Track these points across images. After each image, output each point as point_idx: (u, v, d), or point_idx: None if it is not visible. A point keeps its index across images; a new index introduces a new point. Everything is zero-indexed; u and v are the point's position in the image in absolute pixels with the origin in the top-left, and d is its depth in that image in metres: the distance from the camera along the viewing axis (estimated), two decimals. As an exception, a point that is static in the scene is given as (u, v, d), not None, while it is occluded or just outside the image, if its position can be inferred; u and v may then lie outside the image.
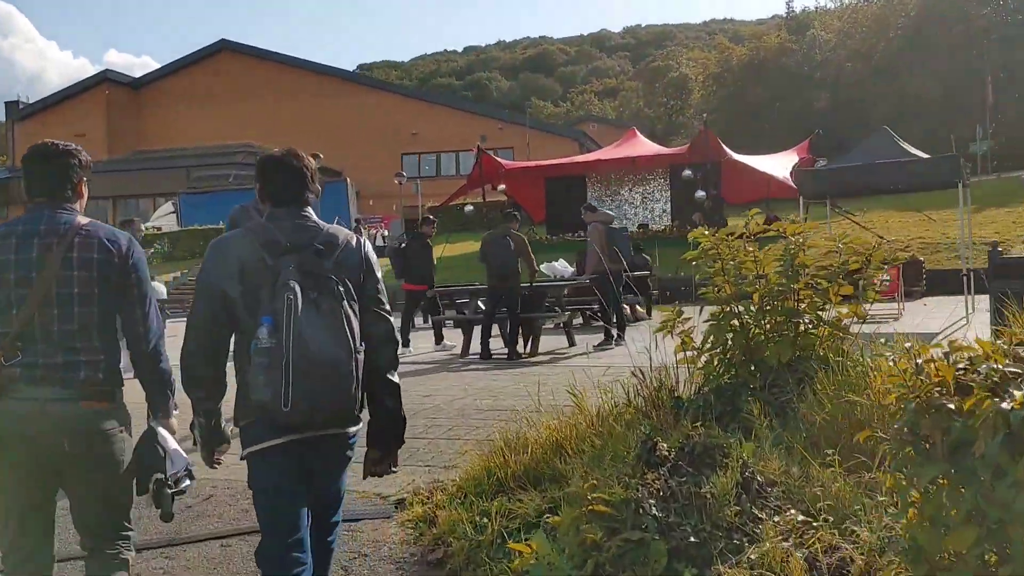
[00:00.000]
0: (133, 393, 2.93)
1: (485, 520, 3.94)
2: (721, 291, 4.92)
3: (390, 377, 2.84)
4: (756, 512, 3.29)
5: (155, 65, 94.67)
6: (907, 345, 2.25)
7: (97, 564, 2.88)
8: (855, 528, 3.15)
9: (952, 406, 1.83)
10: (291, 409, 2.48)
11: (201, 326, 2.69)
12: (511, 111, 55.07)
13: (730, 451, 3.54)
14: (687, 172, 23.98)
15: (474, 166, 26.85)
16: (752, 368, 4.87)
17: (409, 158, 45.81)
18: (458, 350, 11.50)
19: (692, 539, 3.10)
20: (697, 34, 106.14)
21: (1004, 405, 1.78)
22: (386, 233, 36.35)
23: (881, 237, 16.62)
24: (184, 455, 2.92)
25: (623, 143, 27.68)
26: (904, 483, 2.10)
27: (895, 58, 46.23)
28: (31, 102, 51.92)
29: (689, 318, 5.07)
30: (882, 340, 4.91)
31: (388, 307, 2.90)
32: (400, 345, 3.28)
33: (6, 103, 52.32)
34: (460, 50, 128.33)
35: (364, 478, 3.01)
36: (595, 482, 3.46)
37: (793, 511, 3.30)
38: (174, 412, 3.00)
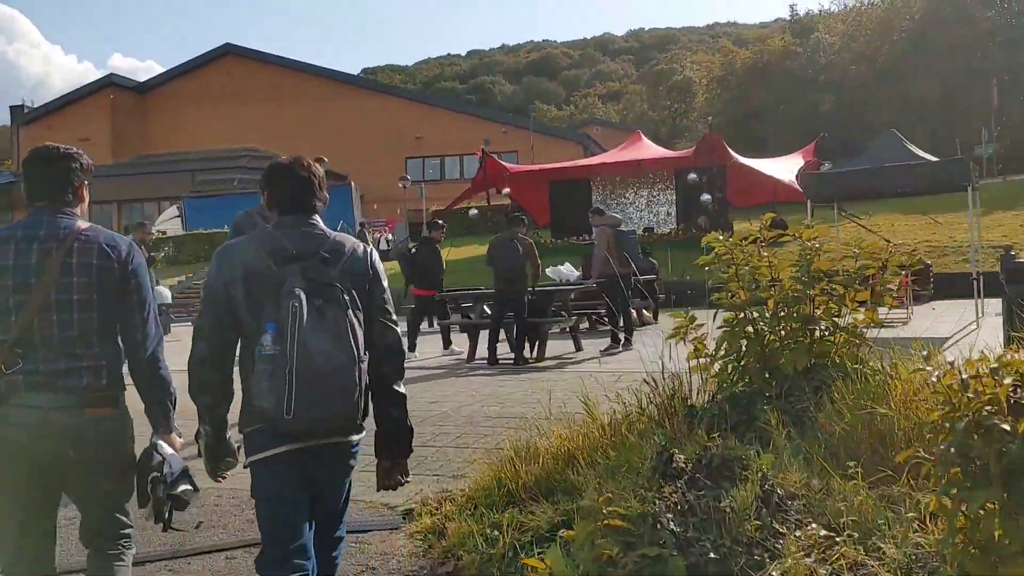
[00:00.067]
0: (135, 399, 2.88)
1: (496, 533, 3.85)
2: (735, 297, 4.82)
3: (396, 388, 2.84)
4: (777, 527, 3.20)
5: (160, 69, 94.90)
6: (950, 360, 2.14)
7: (98, 561, 2.87)
8: (880, 544, 3.05)
9: (1006, 427, 1.74)
10: (293, 417, 2.46)
11: (208, 331, 2.68)
12: (515, 115, 55.04)
13: (749, 463, 3.44)
14: (692, 175, 23.84)
15: (478, 170, 26.73)
16: (767, 376, 4.78)
17: (413, 162, 45.77)
18: (464, 355, 11.41)
19: (712, 555, 3.00)
20: (700, 37, 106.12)
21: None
22: (390, 237, 36.31)
23: (887, 240, 16.51)
24: (181, 459, 2.87)
25: (628, 146, 27.56)
26: (951, 507, 2.00)
27: (899, 61, 46.10)
28: (35, 106, 52.01)
29: (702, 324, 4.98)
30: (898, 347, 4.82)
31: (395, 317, 2.89)
32: (407, 352, 3.22)
33: (11, 107, 52.45)
34: (464, 54, 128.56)
35: (378, 490, 2.97)
36: (610, 495, 3.37)
37: (815, 525, 3.20)
38: (176, 426, 2.94)
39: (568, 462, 4.28)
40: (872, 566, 2.91)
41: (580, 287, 12.36)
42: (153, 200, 43.15)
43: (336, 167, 33.29)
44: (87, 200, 2.90)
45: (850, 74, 48.47)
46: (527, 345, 10.88)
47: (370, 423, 2.86)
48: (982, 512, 1.85)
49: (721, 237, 4.87)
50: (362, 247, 2.83)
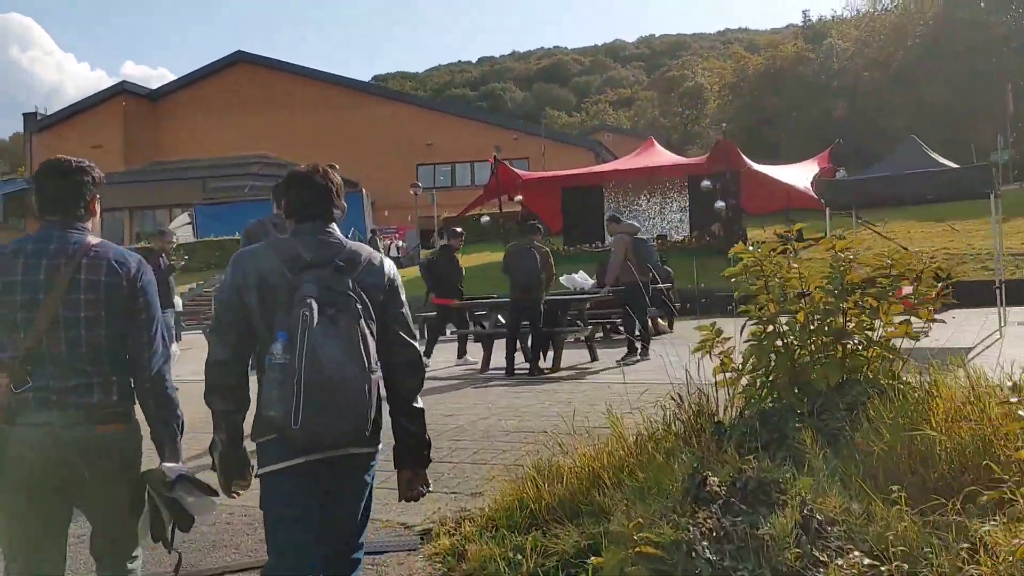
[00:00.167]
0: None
1: (519, 557, 3.70)
2: (765, 309, 4.66)
3: (414, 404, 2.84)
4: (818, 555, 3.03)
5: (172, 77, 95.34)
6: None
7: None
8: (926, 573, 2.88)
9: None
10: (301, 427, 2.43)
11: (224, 335, 2.66)
12: (525, 121, 54.95)
13: (786, 487, 3.28)
14: (706, 182, 23.68)
15: (491, 177, 26.61)
16: (796, 391, 4.61)
17: (424, 169, 45.73)
18: (479, 365, 11.26)
19: (751, 586, 2.85)
20: (712, 44, 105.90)
21: None
22: (400, 244, 36.27)
23: (905, 248, 16.30)
24: (182, 466, 2.79)
25: (641, 153, 27.43)
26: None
27: (913, 67, 45.84)
28: (48, 114, 52.22)
29: (729, 338, 4.82)
30: (923, 358, 4.65)
31: (414, 332, 2.86)
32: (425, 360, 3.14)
33: (24, 115, 52.64)
34: (474, 60, 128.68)
35: (399, 500, 2.93)
36: (640, 520, 3.22)
37: (858, 553, 3.03)
38: (182, 447, 2.84)
39: (593, 482, 4.11)
40: (922, 599, 2.75)
41: (597, 296, 12.17)
42: (164, 207, 43.20)
43: (347, 174, 33.22)
44: (98, 214, 2.88)
45: (863, 80, 48.22)
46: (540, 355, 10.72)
47: (385, 437, 2.81)
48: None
49: (752, 247, 4.70)
50: (379, 257, 2.81)
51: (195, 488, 2.74)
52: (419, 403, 2.84)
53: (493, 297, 13.37)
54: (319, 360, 2.44)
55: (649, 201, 26.98)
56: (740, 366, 4.83)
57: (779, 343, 4.68)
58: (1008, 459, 3.41)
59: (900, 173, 12.67)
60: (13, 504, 2.64)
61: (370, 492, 2.84)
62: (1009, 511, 2.78)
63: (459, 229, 13.08)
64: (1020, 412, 1.88)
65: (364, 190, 36.34)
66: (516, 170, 27.24)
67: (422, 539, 4.45)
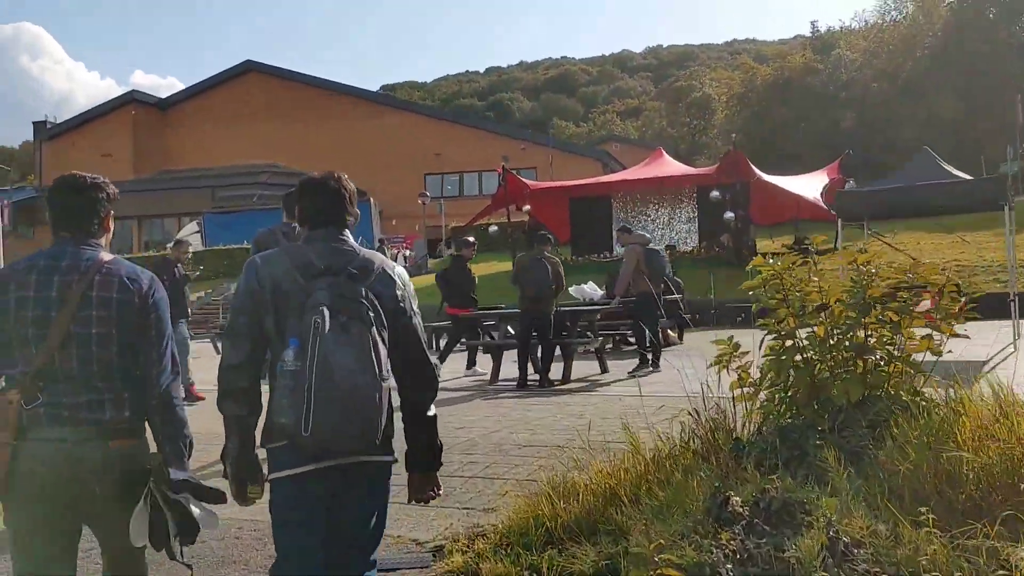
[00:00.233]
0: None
1: (535, 576, 3.62)
2: (784, 323, 4.58)
3: (428, 414, 2.85)
4: (844, 578, 2.95)
5: (181, 86, 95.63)
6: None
7: None
8: (958, 598, 2.80)
9: None
10: (311, 433, 2.42)
11: (237, 339, 2.66)
12: (533, 131, 54.96)
13: (811, 507, 3.19)
14: (715, 193, 23.58)
15: (499, 186, 26.56)
16: (816, 407, 4.53)
17: (432, 178, 45.75)
18: (488, 376, 11.18)
19: (777, 611, 2.76)
20: (719, 54, 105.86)
21: None
22: (408, 252, 36.24)
23: (915, 259, 16.18)
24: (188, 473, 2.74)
25: (650, 163, 27.37)
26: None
27: (922, 78, 45.73)
28: (58, 122, 52.45)
29: (747, 352, 4.74)
30: (938, 372, 4.56)
31: (427, 344, 2.85)
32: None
33: (34, 123, 52.91)
34: (482, 71, 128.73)
35: (408, 502, 2.93)
36: (661, 541, 3.14)
37: (885, 577, 2.95)
38: (189, 466, 2.78)
39: (610, 499, 4.03)
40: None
41: (608, 307, 12.09)
42: (173, 216, 43.34)
43: (356, 183, 33.06)
44: (111, 231, 2.87)
45: (872, 91, 48.09)
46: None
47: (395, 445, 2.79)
48: None
49: (772, 260, 4.62)
50: (392, 265, 2.81)
51: (201, 494, 2.68)
52: (432, 411, 2.84)
53: (502, 307, 13.30)
54: (330, 367, 2.43)
55: (657, 211, 26.92)
56: (758, 380, 4.75)
57: (798, 358, 4.60)
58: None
59: (914, 184, 12.58)
60: (24, 519, 2.62)
61: (384, 506, 2.81)
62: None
63: (471, 239, 13.03)
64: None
65: (372, 199, 36.33)
66: (524, 180, 27.18)
67: (434, 556, 4.36)
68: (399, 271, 2.82)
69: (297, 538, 2.64)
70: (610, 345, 14.11)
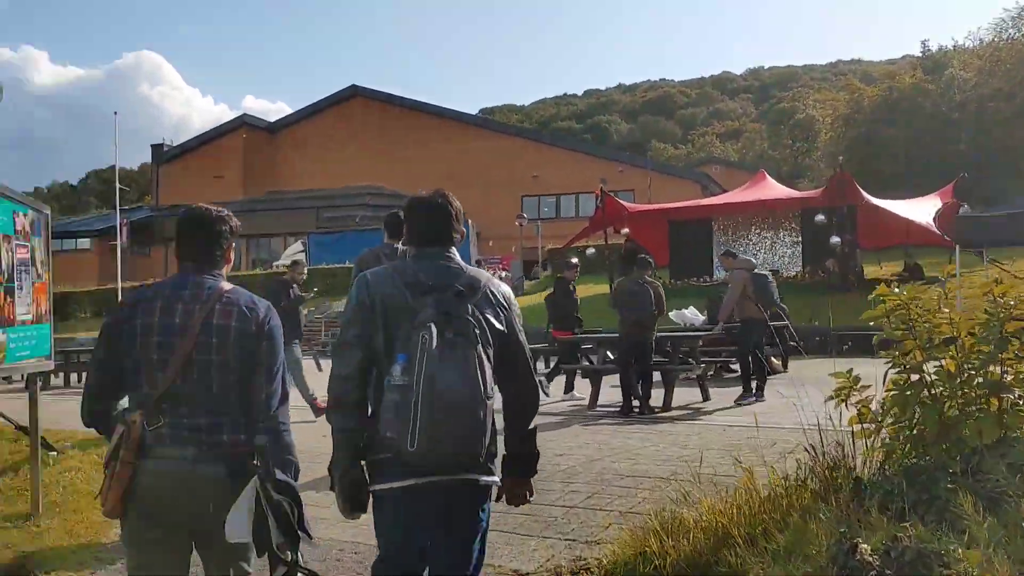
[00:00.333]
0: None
1: (644, 617, 3.46)
2: (911, 356, 4.30)
3: (529, 428, 2.87)
4: (989, 640, 2.70)
5: (289, 110, 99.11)
6: None
7: None
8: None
9: None
10: (417, 448, 2.45)
11: (348, 351, 2.69)
12: (631, 153, 54.64)
13: (949, 559, 2.95)
14: (820, 216, 22.83)
15: (597, 208, 26.38)
16: (945, 447, 4.22)
17: (529, 200, 45.96)
18: (586, 401, 11.02)
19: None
20: (823, 75, 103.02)
21: None
22: (504, 274, 36.42)
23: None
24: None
25: (752, 186, 26.71)
26: None
27: (1043, 97, 43.43)
28: (174, 145, 55.02)
29: (868, 386, 4.47)
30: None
31: (533, 365, 2.87)
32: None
33: (152, 146, 55.65)
34: (580, 93, 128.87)
35: (495, 500, 2.87)
36: (783, 588, 2.94)
37: (1035, 641, 2.69)
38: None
39: (723, 539, 3.84)
40: None
41: (710, 333, 11.79)
42: (280, 235, 44.70)
43: (455, 205, 33.62)
44: (232, 262, 3.00)
45: (988, 112, 45.94)
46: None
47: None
48: None
49: (898, 288, 4.36)
50: (498, 284, 2.83)
51: (300, 512, 2.69)
52: (532, 424, 2.87)
53: (600, 331, 13.13)
54: (436, 383, 2.46)
55: (760, 235, 26.26)
56: (879, 416, 4.47)
57: (925, 393, 4.31)
58: None
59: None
60: (141, 536, 2.72)
61: (484, 532, 2.79)
62: None
63: (574, 260, 12.97)
64: None
65: (471, 220, 36.70)
66: (623, 202, 26.94)
67: (537, 589, 4.25)
68: (504, 289, 2.84)
69: (394, 543, 2.70)
70: (712, 372, 13.76)
